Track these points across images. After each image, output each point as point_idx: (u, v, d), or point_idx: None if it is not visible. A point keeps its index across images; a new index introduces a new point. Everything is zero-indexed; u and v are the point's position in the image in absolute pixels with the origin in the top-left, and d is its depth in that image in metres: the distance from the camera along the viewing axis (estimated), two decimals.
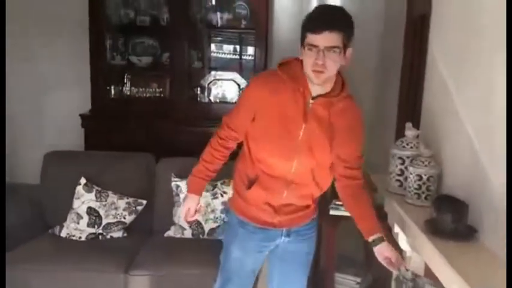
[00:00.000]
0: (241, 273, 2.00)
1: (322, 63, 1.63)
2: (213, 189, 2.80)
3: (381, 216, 2.55)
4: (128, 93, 4.27)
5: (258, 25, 3.92)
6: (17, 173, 4.52)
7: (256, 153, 1.83)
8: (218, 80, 4.37)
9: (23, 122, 4.58)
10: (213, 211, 2.78)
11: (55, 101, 4.52)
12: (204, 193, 2.74)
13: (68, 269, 2.41)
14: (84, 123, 4.08)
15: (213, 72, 4.36)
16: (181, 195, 2.80)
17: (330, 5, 1.98)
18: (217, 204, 2.78)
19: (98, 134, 3.97)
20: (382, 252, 1.77)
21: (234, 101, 4.32)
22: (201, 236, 2.78)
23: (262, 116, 1.78)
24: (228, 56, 4.42)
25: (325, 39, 1.60)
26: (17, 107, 4.56)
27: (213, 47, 4.41)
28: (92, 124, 4.05)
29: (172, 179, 2.86)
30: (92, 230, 2.71)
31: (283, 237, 1.96)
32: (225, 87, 4.41)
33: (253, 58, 4.30)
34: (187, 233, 2.79)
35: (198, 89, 4.30)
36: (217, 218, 2.78)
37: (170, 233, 2.81)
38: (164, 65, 4.23)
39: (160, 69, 4.26)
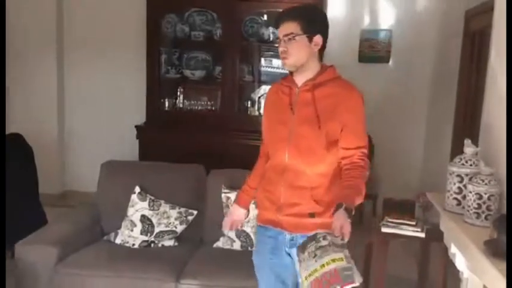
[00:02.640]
0: (267, 282, 1.99)
1: (284, 50, 1.83)
2: None
3: (436, 236, 2.48)
4: (181, 105, 4.40)
5: None
6: (76, 182, 4.74)
7: (268, 154, 2.01)
8: None
9: (83, 133, 4.81)
10: None
11: (112, 113, 4.72)
12: (252, 206, 2.79)
13: (122, 275, 2.47)
14: (139, 134, 4.23)
15: (263, 86, 4.41)
16: (231, 207, 2.83)
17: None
18: None
19: (152, 145, 4.11)
20: (334, 218, 1.71)
21: None
22: (249, 248, 2.79)
23: (265, 119, 2.02)
24: (278, 70, 4.46)
25: (283, 29, 1.84)
26: (77, 118, 4.81)
27: (263, 61, 4.47)
28: (146, 135, 4.20)
29: (223, 190, 2.90)
30: (145, 238, 2.79)
31: (288, 243, 1.89)
32: None
33: None
34: (236, 245, 2.81)
35: (248, 102, 4.36)
36: None
37: (219, 244, 2.84)
38: (216, 78, 4.33)
39: (212, 82, 4.37)
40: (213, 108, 4.35)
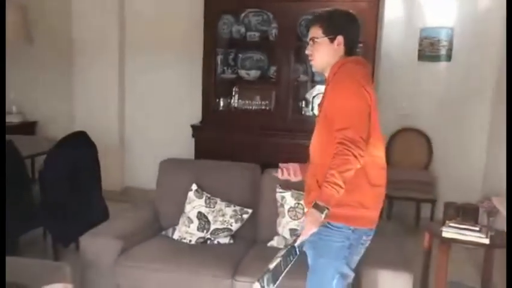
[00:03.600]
0: None
1: (309, 53, 1.99)
2: None
3: (501, 243, 2.35)
4: (236, 105, 4.45)
5: (366, 37, 3.87)
6: (135, 179, 4.92)
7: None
8: (323, 93, 4.36)
9: (141, 132, 4.98)
10: None
11: (169, 113, 4.86)
12: None
13: (180, 270, 2.54)
14: (195, 133, 4.32)
15: (318, 86, 4.37)
16: (286, 206, 2.83)
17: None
18: None
19: (207, 144, 4.18)
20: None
21: None
22: (302, 249, 2.78)
23: None
24: None
25: (309, 34, 1.99)
26: (136, 118, 4.98)
27: None
28: (201, 134, 4.29)
29: (277, 190, 2.91)
30: (201, 234, 2.84)
31: None
32: None
33: None
34: None
35: (303, 102, 4.34)
36: None
37: (273, 243, 2.85)
38: (271, 78, 4.35)
39: (266, 82, 4.39)
40: (267, 108, 4.37)
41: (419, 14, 4.48)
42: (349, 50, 1.96)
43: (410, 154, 4.49)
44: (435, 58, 4.47)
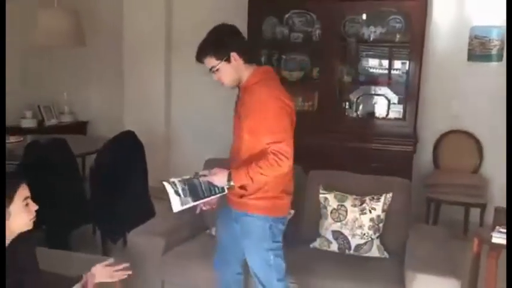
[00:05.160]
0: None
1: (217, 79, 2.15)
2: (361, 205, 2.76)
3: None
4: None
5: (413, 38, 3.80)
6: (180, 176, 5.02)
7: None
8: (367, 94, 4.32)
9: (186, 130, 5.08)
10: (360, 227, 2.73)
11: (214, 112, 4.93)
12: (352, 208, 2.76)
13: None
14: None
15: (362, 87, 4.33)
16: (329, 208, 2.82)
17: (208, 34, 2.18)
18: (365, 220, 2.73)
19: None
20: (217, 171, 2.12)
21: (382, 116, 4.23)
22: (346, 251, 2.76)
23: None
24: (378, 71, 4.35)
25: (206, 65, 2.13)
26: (182, 117, 5.09)
27: (363, 61, 4.38)
28: None
29: (320, 191, 2.89)
30: None
31: None
32: (374, 102, 4.33)
33: (404, 72, 4.17)
34: (333, 247, 2.79)
35: (347, 103, 4.30)
36: (364, 234, 2.72)
37: (315, 244, 2.84)
38: (314, 79, 4.33)
39: (309, 83, 4.38)
40: (311, 109, 4.36)
41: (469, 12, 4.33)
42: (248, 58, 2.11)
43: (460, 157, 4.34)
44: (486, 58, 4.31)
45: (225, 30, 2.14)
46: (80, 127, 5.31)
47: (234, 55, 2.06)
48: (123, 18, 4.95)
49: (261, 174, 2.03)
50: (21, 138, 3.63)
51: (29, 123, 4.94)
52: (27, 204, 1.76)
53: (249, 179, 2.05)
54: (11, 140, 3.57)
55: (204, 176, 2.14)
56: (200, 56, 2.12)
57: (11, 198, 1.71)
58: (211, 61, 2.09)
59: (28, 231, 1.81)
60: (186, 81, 5.02)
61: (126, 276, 2.02)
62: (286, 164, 2.06)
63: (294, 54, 4.42)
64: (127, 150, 3.42)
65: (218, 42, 2.09)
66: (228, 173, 2.08)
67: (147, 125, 4.68)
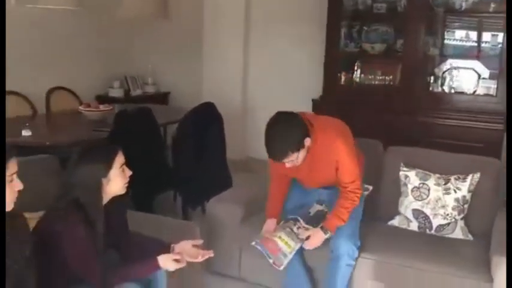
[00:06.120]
0: None
1: (291, 165, 2.30)
2: (445, 184, 2.65)
3: None
4: (358, 80, 4.34)
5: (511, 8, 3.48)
6: (256, 149, 5.09)
7: None
8: (455, 68, 4.07)
9: (263, 104, 5.10)
10: (443, 207, 2.63)
11: (290, 86, 4.91)
12: (435, 187, 2.65)
13: None
14: (315, 107, 4.32)
15: (449, 60, 4.09)
16: (410, 186, 2.73)
17: (273, 134, 2.25)
18: (449, 200, 2.62)
19: None
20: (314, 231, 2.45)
21: (471, 92, 3.98)
22: (427, 231, 2.67)
23: None
24: (467, 43, 4.07)
25: (287, 160, 2.26)
26: (259, 90, 5.12)
27: (450, 33, 4.12)
28: (321, 109, 4.25)
29: (401, 168, 2.81)
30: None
31: None
32: (462, 76, 4.08)
33: (496, 45, 3.88)
34: (413, 226, 2.71)
35: (431, 77, 4.09)
36: (447, 214, 2.62)
37: (394, 222, 2.78)
38: (397, 52, 4.15)
39: (392, 56, 4.21)
40: (392, 83, 4.20)
41: None
42: (308, 131, 2.28)
43: None
44: None
45: (297, 122, 2.27)
46: (162, 97, 5.53)
47: (306, 141, 2.26)
48: None
49: (348, 212, 2.41)
50: (111, 107, 3.84)
51: (116, 92, 5.22)
52: (123, 170, 1.88)
53: (342, 221, 2.39)
54: (101, 108, 3.80)
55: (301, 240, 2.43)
56: (282, 156, 2.23)
57: (110, 164, 1.83)
58: (290, 157, 2.23)
59: (120, 196, 1.93)
60: (264, 53, 5.02)
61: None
62: (359, 197, 2.47)
63: (377, 26, 4.25)
64: (207, 121, 3.52)
65: (292, 140, 2.22)
66: (321, 228, 2.42)
67: (224, 98, 4.75)
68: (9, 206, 1.51)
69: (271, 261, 2.35)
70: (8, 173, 1.47)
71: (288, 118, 2.29)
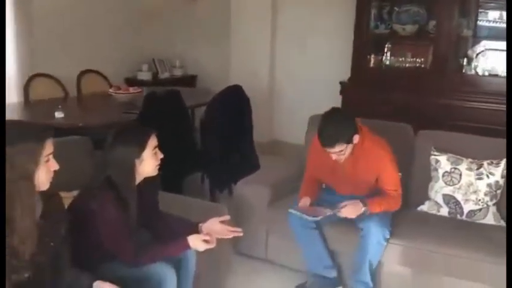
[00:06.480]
0: None
1: (336, 159, 2.41)
2: (477, 169, 2.59)
3: None
4: (387, 62, 4.25)
5: None
6: (282, 132, 5.11)
7: None
8: (489, 50, 3.94)
9: (290, 86, 5.09)
10: (475, 192, 2.58)
11: (318, 68, 4.86)
12: (467, 172, 2.60)
13: None
14: (343, 90, 4.27)
15: (483, 42, 3.96)
16: (440, 171, 2.68)
17: (330, 120, 2.39)
18: (482, 185, 2.56)
19: (354, 101, 4.09)
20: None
21: (505, 74, 3.84)
22: (458, 216, 2.63)
23: None
24: (501, 25, 3.93)
25: (332, 149, 2.35)
26: (286, 73, 5.09)
27: (484, 14, 3.97)
28: (349, 92, 4.22)
29: (432, 152, 2.76)
30: None
31: None
32: (496, 58, 3.95)
33: None
34: (443, 211, 2.67)
35: (464, 59, 3.98)
36: (479, 200, 2.57)
37: (424, 207, 2.74)
38: (429, 33, 4.05)
39: (423, 38, 4.10)
40: (423, 65, 4.10)
41: None
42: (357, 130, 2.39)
43: None
44: None
45: (346, 116, 2.45)
46: (189, 80, 5.56)
47: (355, 138, 2.36)
48: None
49: (384, 208, 2.44)
50: (140, 90, 3.89)
51: (144, 75, 5.28)
52: (155, 153, 1.91)
53: (378, 208, 2.41)
54: (130, 91, 3.85)
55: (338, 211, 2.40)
56: (332, 143, 2.32)
57: (144, 146, 1.87)
58: (340, 147, 2.33)
59: (151, 177, 1.97)
60: (291, 37, 4.96)
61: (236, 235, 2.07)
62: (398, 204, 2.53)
63: (408, 6, 4.12)
64: (235, 104, 3.52)
65: (347, 130, 2.35)
66: (361, 200, 2.40)
67: (251, 80, 4.74)
68: (45, 186, 1.54)
69: (310, 218, 2.42)
70: (44, 153, 1.49)
71: (343, 113, 2.59)
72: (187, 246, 1.89)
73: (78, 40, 4.60)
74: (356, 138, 2.37)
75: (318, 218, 2.40)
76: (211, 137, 3.42)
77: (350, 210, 2.37)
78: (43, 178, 1.52)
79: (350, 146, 2.37)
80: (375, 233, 2.38)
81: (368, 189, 2.51)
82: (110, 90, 3.93)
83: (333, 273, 2.57)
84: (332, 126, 2.35)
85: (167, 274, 1.84)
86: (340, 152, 2.35)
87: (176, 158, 3.10)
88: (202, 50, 5.51)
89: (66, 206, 1.77)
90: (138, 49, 5.31)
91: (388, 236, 2.42)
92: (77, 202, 1.87)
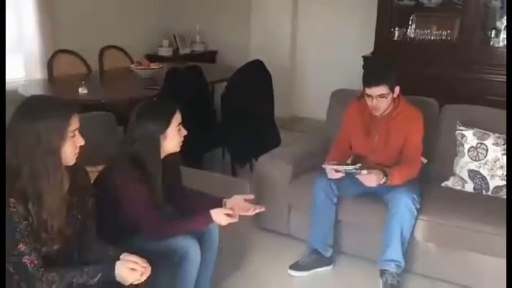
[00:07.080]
0: None
1: (375, 106, 2.45)
2: (504, 144, 2.53)
3: None
4: (412, 35, 4.14)
5: None
6: (303, 107, 5.07)
7: None
8: None
9: (312, 61, 5.02)
10: (501, 167, 2.52)
11: (341, 42, 4.77)
12: (493, 147, 2.54)
13: None
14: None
15: None
16: (466, 146, 2.63)
17: (378, 61, 2.52)
18: None
19: None
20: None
21: None
22: (484, 192, 2.59)
23: None
24: None
25: (374, 90, 2.41)
26: (308, 47, 5.01)
27: None
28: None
29: (458, 127, 2.70)
30: None
31: None
32: None
33: None
34: (468, 187, 2.63)
35: (492, 31, 3.84)
36: (506, 175, 2.51)
37: (448, 183, 2.70)
38: (455, 4, 3.91)
39: (450, 9, 3.97)
40: (449, 38, 3.98)
41: None
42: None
43: None
44: None
45: (392, 64, 2.59)
46: (210, 56, 5.53)
47: (397, 89, 2.44)
48: None
49: (405, 178, 2.43)
50: (161, 65, 3.89)
51: (165, 51, 5.26)
52: (179, 129, 1.92)
53: (399, 180, 2.39)
54: (151, 66, 3.85)
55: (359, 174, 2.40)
56: (377, 82, 2.37)
57: (169, 122, 1.87)
58: (383, 89, 2.38)
59: (174, 153, 1.98)
60: (313, 9, 4.87)
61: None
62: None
63: None
64: (256, 79, 3.50)
65: (391, 76, 2.42)
66: (383, 170, 2.39)
67: (272, 56, 4.69)
68: (71, 161, 1.57)
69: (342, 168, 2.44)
70: (70, 129, 1.50)
71: (389, 60, 2.81)
72: (210, 221, 1.91)
73: (99, 16, 4.60)
74: (397, 90, 2.44)
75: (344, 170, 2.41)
76: (232, 112, 3.41)
77: (371, 177, 2.36)
78: (69, 153, 1.54)
79: (390, 97, 2.42)
80: (404, 199, 2.34)
81: (395, 158, 2.51)
82: (132, 66, 3.94)
83: (328, 253, 2.60)
84: (379, 67, 2.53)
85: (191, 247, 1.86)
86: (381, 96, 2.38)
87: (197, 134, 3.10)
88: (223, 25, 5.45)
89: (92, 181, 1.80)
90: (159, 25, 5.29)
91: (418, 205, 2.38)
92: (103, 176, 1.90)
